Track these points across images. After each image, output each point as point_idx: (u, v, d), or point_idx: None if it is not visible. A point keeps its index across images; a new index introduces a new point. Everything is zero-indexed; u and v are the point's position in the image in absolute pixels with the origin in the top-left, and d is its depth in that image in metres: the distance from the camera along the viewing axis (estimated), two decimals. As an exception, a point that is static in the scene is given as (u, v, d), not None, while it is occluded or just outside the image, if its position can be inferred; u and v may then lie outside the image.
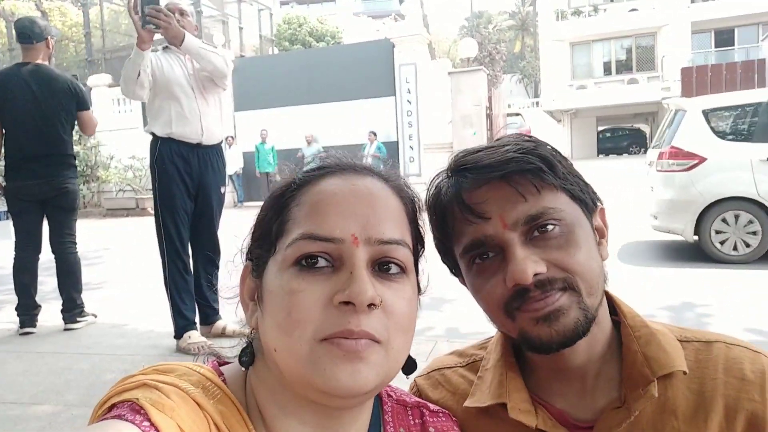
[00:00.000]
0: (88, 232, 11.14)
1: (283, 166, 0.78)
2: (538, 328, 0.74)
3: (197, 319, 3.63)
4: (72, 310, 4.13)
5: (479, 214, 0.75)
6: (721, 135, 6.06)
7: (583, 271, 0.74)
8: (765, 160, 5.70)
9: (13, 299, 4.17)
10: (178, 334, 3.52)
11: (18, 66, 4.07)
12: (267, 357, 0.66)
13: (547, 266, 0.73)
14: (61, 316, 4.15)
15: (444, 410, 0.84)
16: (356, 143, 14.35)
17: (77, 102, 4.10)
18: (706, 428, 0.76)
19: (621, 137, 33.90)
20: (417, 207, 0.74)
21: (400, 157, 14.19)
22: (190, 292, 3.57)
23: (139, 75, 3.33)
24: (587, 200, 0.80)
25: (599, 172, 17.54)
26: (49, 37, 4.11)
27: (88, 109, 4.19)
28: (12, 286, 4.15)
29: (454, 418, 0.84)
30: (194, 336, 3.49)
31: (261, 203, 0.76)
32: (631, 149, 32.50)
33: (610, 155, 31.17)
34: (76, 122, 4.20)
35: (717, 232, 5.91)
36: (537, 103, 33.79)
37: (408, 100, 14.23)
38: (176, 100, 3.51)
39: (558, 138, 31.26)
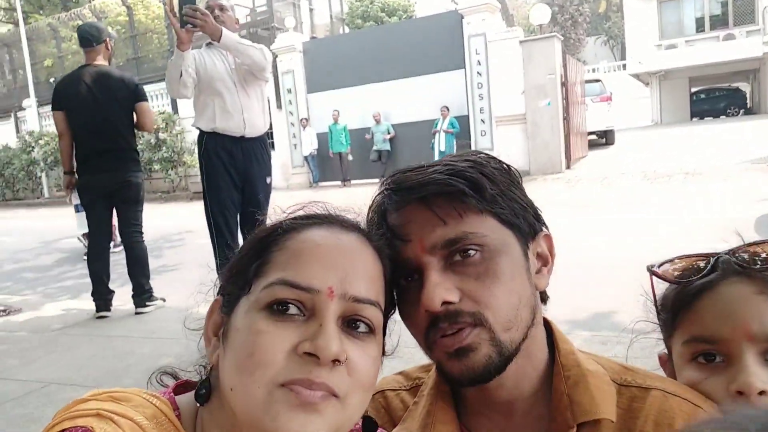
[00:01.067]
0: (174, 216, 11.83)
1: (272, 210, 0.79)
2: (450, 363, 0.73)
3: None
4: (141, 295, 4.43)
5: (400, 236, 0.74)
6: None
7: (498, 306, 0.71)
8: None
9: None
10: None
11: (79, 69, 4.39)
12: (222, 396, 0.67)
13: (461, 296, 0.71)
14: (132, 301, 4.47)
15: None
16: (428, 119, 14.26)
17: (135, 96, 4.34)
18: None
19: (717, 98, 31.37)
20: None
21: (471, 131, 13.92)
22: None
23: (181, 75, 3.47)
24: (522, 225, 0.76)
25: (691, 140, 16.43)
26: (107, 39, 4.36)
27: (145, 99, 4.41)
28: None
29: None
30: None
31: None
32: (728, 111, 30.08)
33: (706, 118, 29.02)
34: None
35: None
36: (624, 66, 31.94)
37: (478, 72, 13.86)
38: (219, 96, 3.63)
39: (642, 103, 29.52)
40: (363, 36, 16.97)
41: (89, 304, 4.54)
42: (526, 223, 0.77)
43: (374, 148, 14.94)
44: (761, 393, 0.70)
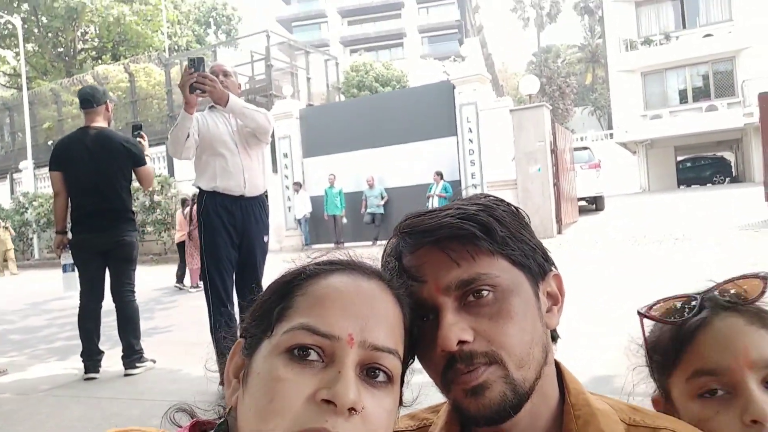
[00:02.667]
0: (166, 278, 11.74)
1: (294, 260, 0.80)
2: (467, 401, 0.74)
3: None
4: (131, 356, 4.35)
5: (415, 277, 0.76)
6: None
7: (512, 344, 0.73)
8: None
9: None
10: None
11: (80, 130, 4.48)
12: None
13: (475, 336, 0.73)
14: (121, 362, 4.38)
15: None
16: (421, 183, 14.47)
17: (133, 160, 4.42)
18: None
19: (703, 166, 32.16)
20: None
21: (463, 196, 14.10)
22: (235, 340, 3.68)
23: (187, 137, 3.57)
24: (532, 266, 0.78)
25: (679, 206, 16.69)
26: (107, 102, 4.48)
27: (144, 164, 4.49)
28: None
29: None
30: (237, 382, 3.59)
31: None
32: (714, 179, 30.74)
33: (693, 185, 29.61)
34: (133, 177, 4.51)
35: None
36: (610, 135, 32.81)
37: (470, 139, 14.23)
38: (221, 156, 3.72)
39: (630, 170, 30.14)
40: (358, 104, 17.47)
41: (78, 365, 4.45)
42: (536, 264, 0.79)
43: (368, 211, 15.08)
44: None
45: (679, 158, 31.74)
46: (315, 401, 0.61)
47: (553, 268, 0.83)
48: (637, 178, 29.96)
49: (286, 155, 16.41)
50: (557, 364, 0.83)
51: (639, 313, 0.87)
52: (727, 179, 30.48)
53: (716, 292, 0.81)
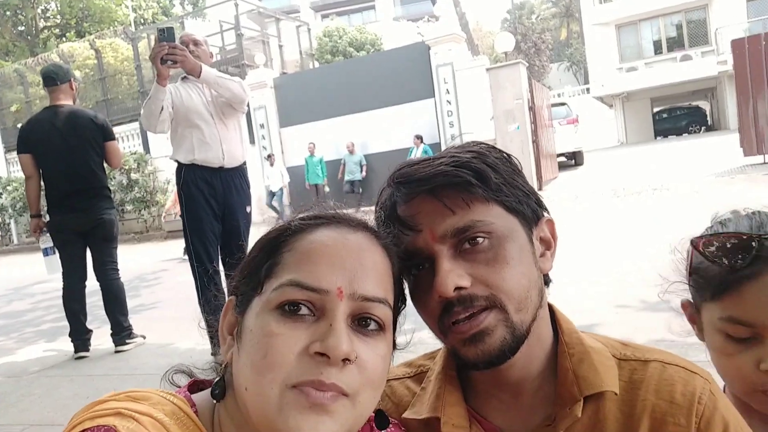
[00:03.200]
0: (148, 255, 11.67)
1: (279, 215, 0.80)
2: (465, 349, 0.75)
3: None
4: (120, 333, 4.35)
5: (410, 226, 0.77)
6: None
7: (510, 288, 0.74)
8: None
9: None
10: (215, 351, 3.66)
11: (46, 110, 4.35)
12: (237, 394, 0.68)
13: (472, 282, 0.74)
14: (111, 339, 4.38)
15: (393, 419, 0.85)
16: (401, 148, 14.42)
17: (103, 134, 4.33)
18: None
19: (679, 117, 32.37)
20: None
21: (444, 158, 14.13)
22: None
23: (161, 110, 3.50)
24: (526, 211, 0.80)
25: (656, 157, 16.86)
26: (72, 80, 4.36)
27: (113, 139, 4.41)
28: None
29: (401, 427, 0.85)
30: (229, 352, 3.62)
31: None
32: (690, 128, 31.04)
33: (669, 136, 29.88)
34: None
35: None
36: (587, 90, 32.85)
37: (448, 101, 14.17)
38: (197, 128, 3.66)
39: (608, 124, 30.29)
40: (333, 69, 17.21)
41: (67, 347, 4.44)
42: (530, 209, 0.80)
43: (346, 178, 14.93)
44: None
45: (656, 109, 31.93)
46: (308, 354, 0.62)
47: (545, 214, 0.84)
48: (615, 132, 30.15)
49: (262, 126, 16.22)
50: (550, 306, 0.85)
51: (692, 243, 0.88)
52: (703, 128, 30.78)
53: None
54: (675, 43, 26.67)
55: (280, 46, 19.58)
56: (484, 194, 0.75)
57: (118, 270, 4.43)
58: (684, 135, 29.31)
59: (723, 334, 0.85)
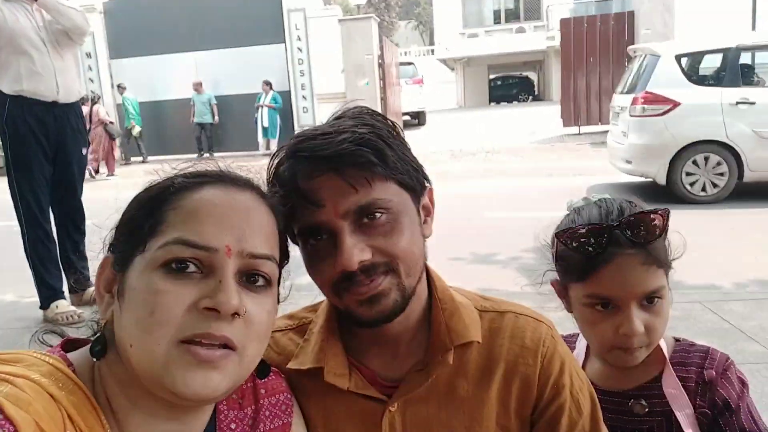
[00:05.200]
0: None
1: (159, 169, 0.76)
2: (361, 309, 0.82)
3: (65, 288, 3.47)
4: None
5: (313, 201, 0.79)
6: (694, 80, 6.32)
7: (405, 256, 0.81)
8: (734, 104, 6.01)
9: None
10: (44, 305, 3.37)
11: None
12: (120, 351, 0.66)
13: (372, 252, 0.80)
14: None
15: (274, 368, 0.88)
16: (250, 93, 13.85)
17: None
18: (489, 389, 0.88)
19: (511, 85, 34.99)
20: (287, 223, 0.78)
21: (293, 108, 13.89)
22: (54, 260, 3.40)
23: None
24: (416, 186, 0.86)
25: (490, 122, 18.15)
26: None
27: None
28: None
29: (282, 375, 0.90)
30: (62, 305, 3.35)
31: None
32: (520, 97, 33.76)
33: (501, 103, 32.26)
34: None
35: (687, 174, 6.20)
36: (432, 51, 34.03)
37: (299, 48, 13.84)
38: (25, 55, 3.23)
39: (449, 87, 31.85)
40: (170, 2, 15.87)
41: None
42: (418, 183, 0.88)
43: (196, 120, 13.92)
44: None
45: (491, 77, 34.14)
46: (197, 309, 0.64)
47: (427, 183, 0.92)
48: (455, 95, 31.80)
49: (89, 55, 14.52)
50: (425, 267, 0.94)
51: (556, 236, 1.05)
52: (530, 97, 33.61)
53: (624, 227, 0.99)
54: (512, 15, 28.56)
55: (113, -33, 17.51)
56: (383, 173, 0.80)
57: None
58: (514, 102, 31.81)
59: (588, 307, 1.04)
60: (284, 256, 0.79)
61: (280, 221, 0.76)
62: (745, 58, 6.57)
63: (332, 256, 0.80)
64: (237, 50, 13.93)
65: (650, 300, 0.99)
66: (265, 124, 13.52)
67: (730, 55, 6.32)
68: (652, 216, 0.98)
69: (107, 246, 0.74)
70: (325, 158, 0.78)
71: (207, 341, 0.63)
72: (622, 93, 7.09)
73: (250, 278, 0.69)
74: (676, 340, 1.12)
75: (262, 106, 13.54)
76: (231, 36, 13.88)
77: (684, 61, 6.45)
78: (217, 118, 13.91)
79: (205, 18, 14.04)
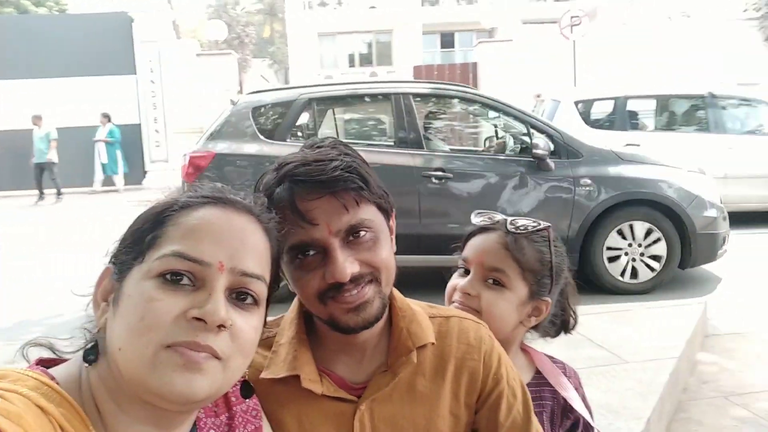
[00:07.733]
0: None
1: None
2: (347, 317, 0.91)
3: None
4: None
5: (309, 220, 0.88)
6: (592, 124, 6.86)
7: (386, 266, 0.94)
8: (625, 146, 6.40)
9: None
10: None
11: None
12: (110, 357, 0.68)
13: (359, 264, 0.90)
14: None
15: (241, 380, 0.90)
16: (90, 125, 12.91)
17: None
18: (443, 383, 1.00)
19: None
20: (280, 249, 0.83)
21: (144, 142, 13.21)
22: None
23: None
24: (388, 209, 0.98)
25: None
26: None
27: None
28: None
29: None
30: None
31: None
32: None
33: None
34: None
35: None
36: (288, 89, 34.17)
37: (152, 80, 13.29)
38: None
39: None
40: (11, 23, 14.46)
41: None
42: (389, 206, 1.00)
43: (35, 160, 12.16)
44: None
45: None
46: (186, 318, 0.67)
47: (393, 208, 1.04)
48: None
49: None
50: None
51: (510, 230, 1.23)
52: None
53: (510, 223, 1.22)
54: (366, 60, 29.84)
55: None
56: (368, 196, 0.92)
57: None
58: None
59: (485, 283, 1.24)
60: (275, 281, 0.83)
61: (274, 247, 0.81)
62: (631, 105, 7.45)
63: (320, 269, 0.90)
64: (83, 79, 13.05)
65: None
66: (104, 160, 12.61)
67: (618, 102, 7.16)
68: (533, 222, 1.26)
69: (109, 256, 0.76)
70: (322, 182, 0.88)
71: (192, 349, 0.66)
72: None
73: (239, 296, 0.73)
74: None
75: (98, 141, 12.63)
76: (77, 65, 12.99)
77: (581, 106, 7.19)
78: (57, 156, 12.13)
79: (44, 45, 13.02)
